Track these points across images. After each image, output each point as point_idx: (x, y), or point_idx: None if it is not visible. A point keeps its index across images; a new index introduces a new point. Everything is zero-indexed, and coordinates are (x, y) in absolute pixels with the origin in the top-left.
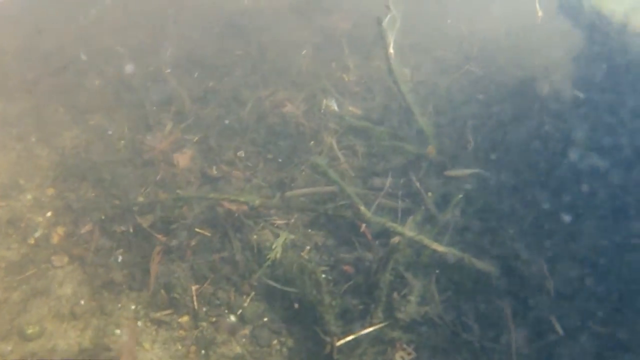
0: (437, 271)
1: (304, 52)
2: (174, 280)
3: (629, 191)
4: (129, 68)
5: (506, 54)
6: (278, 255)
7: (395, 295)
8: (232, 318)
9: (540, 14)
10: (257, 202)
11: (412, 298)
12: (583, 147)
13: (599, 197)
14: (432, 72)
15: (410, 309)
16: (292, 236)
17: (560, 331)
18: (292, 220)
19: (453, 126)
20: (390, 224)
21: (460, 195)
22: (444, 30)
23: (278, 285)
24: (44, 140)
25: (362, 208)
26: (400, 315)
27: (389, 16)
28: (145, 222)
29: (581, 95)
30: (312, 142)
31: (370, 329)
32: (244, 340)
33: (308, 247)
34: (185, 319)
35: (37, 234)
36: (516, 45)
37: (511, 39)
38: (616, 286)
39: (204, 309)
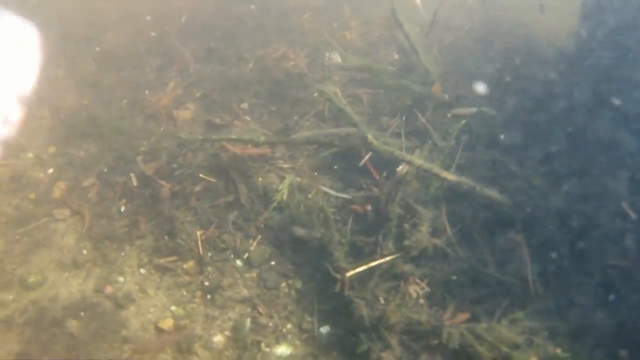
0: (446, 203)
1: (305, 15)
2: (178, 226)
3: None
4: (129, 30)
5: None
6: (285, 197)
7: (405, 225)
8: (239, 262)
9: None
10: (262, 138)
11: (423, 228)
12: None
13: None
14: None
15: (421, 239)
16: (298, 179)
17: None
18: (299, 164)
19: (458, 67)
20: (398, 152)
21: (463, 122)
22: None
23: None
24: (45, 101)
25: (370, 136)
26: (411, 245)
27: None
28: (148, 170)
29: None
30: (316, 94)
31: (382, 260)
32: (250, 283)
33: (314, 190)
34: (190, 264)
35: (38, 189)
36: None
37: None
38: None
39: (209, 254)
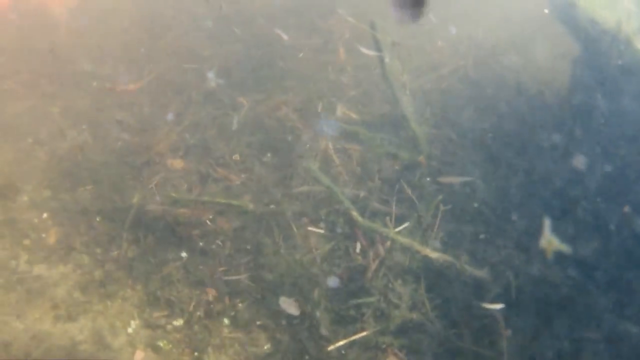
0: (427, 276)
1: (300, 54)
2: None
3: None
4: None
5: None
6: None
7: (386, 299)
8: (226, 321)
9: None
10: (251, 206)
11: (403, 304)
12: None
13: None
14: (428, 76)
15: (401, 313)
16: None
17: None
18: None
19: (448, 132)
20: (382, 230)
21: (440, 198)
22: (440, 35)
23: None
24: (39, 140)
25: (354, 213)
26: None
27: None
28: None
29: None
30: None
31: (363, 333)
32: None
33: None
34: (180, 321)
35: (32, 235)
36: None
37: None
38: None
39: (198, 313)
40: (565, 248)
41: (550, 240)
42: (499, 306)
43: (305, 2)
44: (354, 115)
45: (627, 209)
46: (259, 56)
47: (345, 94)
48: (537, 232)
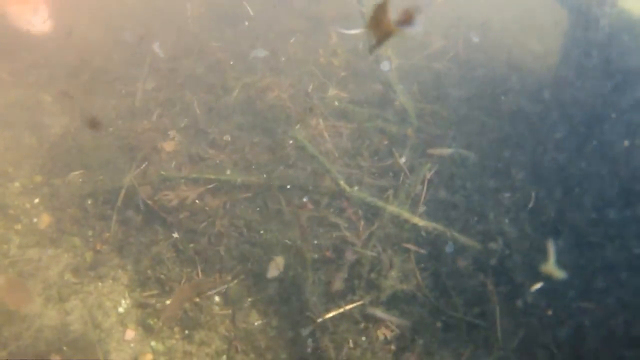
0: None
1: (292, 39)
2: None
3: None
4: (115, 55)
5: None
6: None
7: (377, 270)
8: (217, 298)
9: None
10: (239, 180)
11: (393, 273)
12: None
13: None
14: (417, 56)
15: (392, 283)
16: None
17: None
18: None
19: (437, 105)
20: (371, 199)
21: (429, 164)
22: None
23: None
24: (32, 127)
25: (342, 183)
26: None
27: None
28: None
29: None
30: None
31: (352, 305)
32: (227, 320)
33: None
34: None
35: (24, 220)
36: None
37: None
38: None
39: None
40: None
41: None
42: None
43: None
44: (344, 95)
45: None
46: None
47: (337, 75)
48: (525, 203)
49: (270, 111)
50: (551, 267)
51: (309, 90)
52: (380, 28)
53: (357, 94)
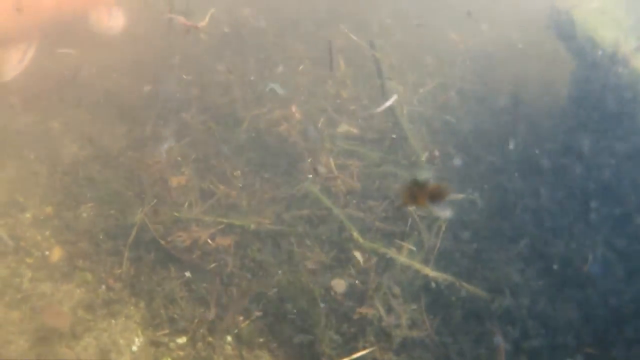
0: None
1: (300, 67)
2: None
3: None
4: (129, 86)
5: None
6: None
7: (387, 318)
8: (229, 338)
9: None
10: (252, 226)
11: (403, 321)
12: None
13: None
14: (427, 90)
15: (401, 332)
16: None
17: None
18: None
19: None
20: (383, 250)
21: (445, 218)
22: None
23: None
24: (40, 156)
25: (355, 234)
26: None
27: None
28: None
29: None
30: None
31: (363, 352)
32: None
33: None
34: (183, 339)
35: (35, 253)
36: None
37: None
38: None
39: (201, 330)
40: None
41: None
42: None
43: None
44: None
45: None
46: None
47: (345, 108)
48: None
49: (280, 146)
50: None
51: (319, 125)
52: (413, 201)
53: (367, 131)
